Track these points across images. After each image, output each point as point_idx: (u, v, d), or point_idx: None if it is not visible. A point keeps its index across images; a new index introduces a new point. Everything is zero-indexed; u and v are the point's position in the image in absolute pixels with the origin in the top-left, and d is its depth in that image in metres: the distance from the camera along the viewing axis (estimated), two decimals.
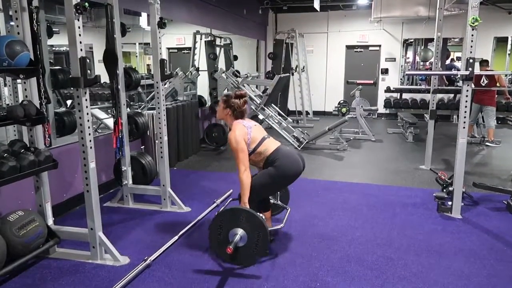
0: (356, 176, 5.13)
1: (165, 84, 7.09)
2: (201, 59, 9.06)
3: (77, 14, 2.54)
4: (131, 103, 7.31)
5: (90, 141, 2.75)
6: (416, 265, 2.84)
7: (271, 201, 3.31)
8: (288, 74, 8.46)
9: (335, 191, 4.50)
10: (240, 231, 2.64)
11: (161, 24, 3.61)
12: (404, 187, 4.64)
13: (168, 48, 11.77)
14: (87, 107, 2.69)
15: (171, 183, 4.06)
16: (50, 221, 3.01)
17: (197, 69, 8.75)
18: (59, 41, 9.38)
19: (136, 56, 12.50)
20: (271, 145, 2.90)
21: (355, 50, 10.56)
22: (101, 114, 6.30)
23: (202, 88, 8.89)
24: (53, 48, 11.52)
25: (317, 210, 3.91)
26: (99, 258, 2.89)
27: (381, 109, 10.32)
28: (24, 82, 2.74)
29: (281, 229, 3.12)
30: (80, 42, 2.60)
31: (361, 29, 10.23)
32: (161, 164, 3.89)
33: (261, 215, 2.71)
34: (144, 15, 8.01)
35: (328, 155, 6.27)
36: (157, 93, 3.74)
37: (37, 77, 2.79)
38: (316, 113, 10.49)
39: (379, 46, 10.30)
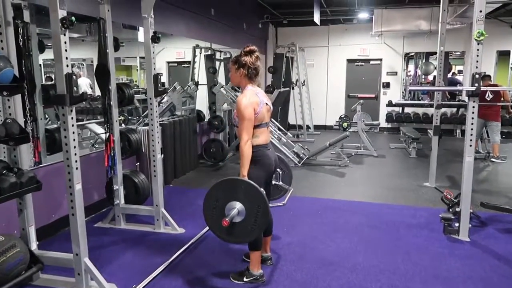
0: (358, 194, 4.95)
1: (163, 99, 6.99)
2: (201, 73, 8.98)
3: (63, 29, 2.42)
4: (129, 117, 7.19)
5: (76, 161, 2.60)
6: None
7: (273, 182, 3.06)
8: (288, 89, 8.35)
9: (336, 211, 4.32)
10: (238, 205, 2.38)
11: (155, 39, 3.50)
12: (408, 206, 4.46)
13: (168, 62, 11.73)
14: (73, 125, 2.54)
15: (167, 201, 3.90)
16: (34, 245, 2.84)
17: (196, 83, 8.64)
18: None
19: (137, 70, 12.45)
20: (263, 136, 2.66)
21: (356, 64, 10.47)
22: (99, 129, 6.18)
23: (202, 102, 8.78)
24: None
25: (317, 231, 3.73)
26: (84, 286, 2.71)
27: (383, 123, 10.17)
28: (8, 100, 2.61)
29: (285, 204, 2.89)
30: (67, 58, 2.46)
31: (362, 43, 10.15)
32: (154, 183, 3.73)
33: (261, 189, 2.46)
34: (142, 30, 7.96)
35: (329, 172, 6.10)
36: (151, 109, 3.61)
37: (22, 94, 2.66)
38: (317, 127, 10.36)
39: (380, 60, 10.21)
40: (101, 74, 3.53)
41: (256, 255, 2.76)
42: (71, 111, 2.53)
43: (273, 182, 3.06)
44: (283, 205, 2.83)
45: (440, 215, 3.68)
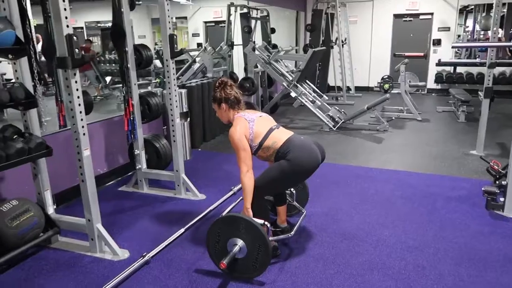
0: (394, 162, 4.61)
1: (194, 60, 6.84)
2: (238, 33, 8.66)
3: None
4: (164, 80, 7.14)
5: (83, 127, 2.52)
6: (453, 277, 2.38)
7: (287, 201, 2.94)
8: (324, 48, 7.85)
9: (367, 180, 4.04)
10: (239, 242, 2.30)
11: None
12: (449, 177, 4.08)
13: (205, 22, 11.46)
14: (77, 89, 2.44)
15: (193, 165, 3.82)
16: (51, 209, 2.86)
17: (231, 44, 8.36)
18: (106, 17, 9.35)
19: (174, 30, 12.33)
20: (280, 136, 2.51)
21: (403, 19, 9.63)
22: None
23: (240, 63, 8.51)
24: (98, 25, 11.58)
25: (343, 202, 3.50)
26: (98, 251, 2.71)
27: (432, 84, 9.45)
28: (14, 63, 2.54)
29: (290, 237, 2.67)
30: (66, 18, 2.32)
31: None
32: (174, 148, 3.63)
33: (262, 221, 2.37)
34: None
35: (365, 137, 5.74)
36: (167, 71, 3.44)
37: (29, 58, 2.58)
38: (359, 89, 9.82)
39: (431, 14, 9.29)
40: (117, 35, 3.39)
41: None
42: (75, 74, 2.42)
43: (288, 200, 2.90)
44: (289, 236, 2.63)
45: (482, 188, 3.30)
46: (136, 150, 3.72)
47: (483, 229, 2.96)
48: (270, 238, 2.41)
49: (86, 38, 9.68)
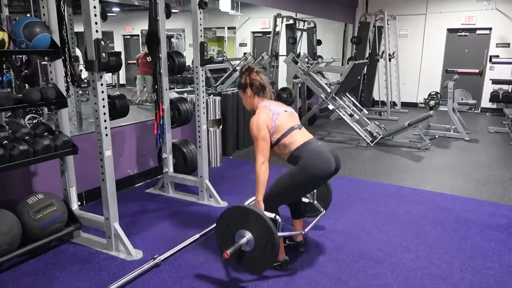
0: (431, 183, 4.34)
1: (235, 69, 6.93)
2: (284, 44, 8.70)
3: None
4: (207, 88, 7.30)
5: (106, 128, 2.62)
6: None
7: (306, 200, 2.88)
8: (366, 61, 7.64)
9: (398, 199, 3.84)
10: (247, 235, 2.25)
11: (202, 4, 3.33)
12: (489, 202, 3.78)
13: (253, 32, 11.63)
14: (102, 92, 2.55)
15: (221, 172, 3.84)
16: (75, 205, 2.99)
17: (276, 54, 8.41)
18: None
19: (225, 41, 12.61)
20: (298, 138, 2.45)
21: (458, 34, 9.16)
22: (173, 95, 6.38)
23: (284, 73, 8.52)
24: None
25: (368, 220, 3.35)
26: (114, 249, 2.79)
27: (487, 103, 8.88)
28: (50, 65, 2.71)
29: (304, 233, 2.66)
30: (96, 23, 2.44)
31: (468, 10, 8.79)
32: (199, 154, 3.68)
33: (273, 215, 2.31)
34: None
35: (404, 154, 5.48)
36: (196, 78, 3.51)
37: (63, 60, 2.73)
38: (406, 105, 9.44)
39: (489, 29, 8.76)
40: (152, 42, 3.52)
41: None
42: (101, 77, 2.53)
43: (307, 200, 2.86)
44: (302, 233, 2.61)
45: None
46: (164, 154, 3.82)
47: None
48: (280, 234, 2.32)
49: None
